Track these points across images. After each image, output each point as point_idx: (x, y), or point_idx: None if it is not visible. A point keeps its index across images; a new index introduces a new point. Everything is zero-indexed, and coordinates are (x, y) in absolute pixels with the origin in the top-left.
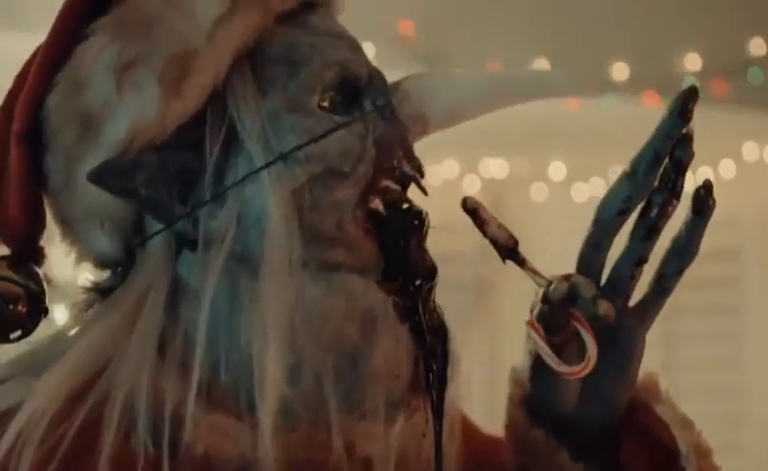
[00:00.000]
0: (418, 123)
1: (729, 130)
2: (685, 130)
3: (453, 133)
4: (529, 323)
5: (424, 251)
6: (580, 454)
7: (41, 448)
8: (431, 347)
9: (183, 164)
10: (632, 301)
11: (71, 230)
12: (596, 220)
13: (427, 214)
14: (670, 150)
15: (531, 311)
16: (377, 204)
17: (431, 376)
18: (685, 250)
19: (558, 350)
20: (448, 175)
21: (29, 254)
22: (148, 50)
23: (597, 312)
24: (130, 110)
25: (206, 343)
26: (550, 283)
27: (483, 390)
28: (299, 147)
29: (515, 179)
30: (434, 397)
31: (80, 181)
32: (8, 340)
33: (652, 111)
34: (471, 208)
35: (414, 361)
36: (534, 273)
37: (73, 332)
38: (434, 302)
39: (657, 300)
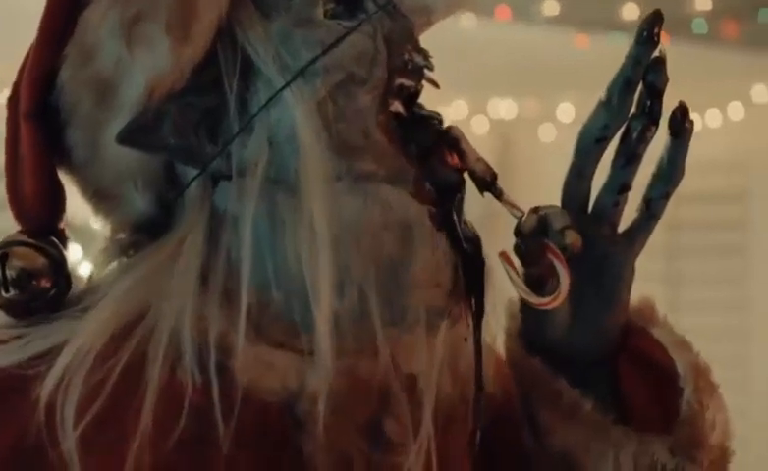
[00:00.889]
0: (422, 14)
1: (738, 71)
2: (657, 55)
3: (461, 74)
4: (501, 254)
5: (448, 162)
6: (578, 381)
7: (87, 384)
8: (468, 254)
9: (205, 105)
10: (621, 228)
11: (104, 200)
12: (576, 149)
13: (443, 120)
14: (642, 76)
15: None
16: (397, 106)
17: (470, 282)
18: (668, 174)
19: (537, 281)
20: (456, 115)
21: (51, 235)
22: (150, 3)
23: (564, 242)
24: (143, 65)
25: (251, 267)
26: (520, 216)
27: None
28: (314, 60)
29: (523, 119)
30: (474, 303)
31: (106, 148)
32: (31, 316)
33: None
34: (454, 138)
35: (453, 269)
36: (511, 206)
37: (114, 277)
38: (464, 215)
39: (645, 225)
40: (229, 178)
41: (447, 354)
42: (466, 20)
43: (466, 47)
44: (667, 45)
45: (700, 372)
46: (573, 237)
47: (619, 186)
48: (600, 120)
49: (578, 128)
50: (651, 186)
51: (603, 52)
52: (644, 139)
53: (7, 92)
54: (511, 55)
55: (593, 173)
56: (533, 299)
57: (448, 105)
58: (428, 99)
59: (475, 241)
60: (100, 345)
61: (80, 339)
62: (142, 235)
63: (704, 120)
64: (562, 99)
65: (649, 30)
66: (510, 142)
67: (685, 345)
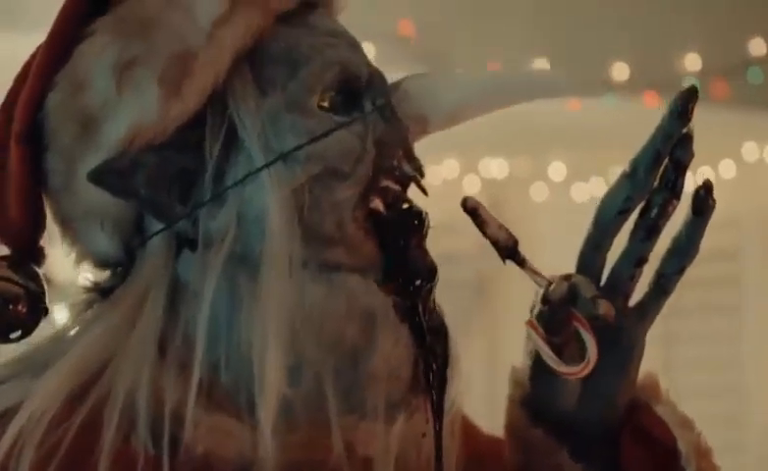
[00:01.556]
0: (418, 123)
1: (729, 130)
2: (685, 130)
3: (453, 133)
4: (529, 323)
5: (424, 252)
6: (580, 454)
7: (41, 449)
8: (431, 347)
9: (183, 164)
10: (632, 301)
11: (71, 230)
12: (596, 220)
13: (427, 214)
14: (670, 150)
15: (531, 311)
16: (378, 204)
17: (431, 376)
18: (685, 250)
19: (558, 350)
20: (448, 174)
21: (30, 254)
22: (149, 50)
23: (597, 312)
24: (130, 110)
25: (206, 343)
26: (550, 283)
27: (483, 389)
28: (299, 147)
29: (515, 178)
30: (434, 397)
31: (80, 180)
32: (8, 340)
33: (653, 111)
34: (471, 208)
35: (414, 361)
36: (534, 273)
37: (72, 332)
38: (434, 302)
39: (657, 300)
40: (193, 245)
41: (404, 446)
42: None
43: None
44: (657, 105)
45: (702, 453)
46: (605, 307)
47: (636, 260)
48: (623, 192)
49: (570, 187)
50: (666, 262)
51: (594, 112)
52: (665, 214)
53: None
54: (502, 115)
55: (611, 245)
56: (563, 369)
57: (440, 164)
58: (420, 158)
59: (442, 333)
60: (55, 407)
61: (34, 401)
62: (107, 280)
63: (695, 178)
64: (553, 158)
65: (683, 105)
66: (501, 201)
67: (687, 425)
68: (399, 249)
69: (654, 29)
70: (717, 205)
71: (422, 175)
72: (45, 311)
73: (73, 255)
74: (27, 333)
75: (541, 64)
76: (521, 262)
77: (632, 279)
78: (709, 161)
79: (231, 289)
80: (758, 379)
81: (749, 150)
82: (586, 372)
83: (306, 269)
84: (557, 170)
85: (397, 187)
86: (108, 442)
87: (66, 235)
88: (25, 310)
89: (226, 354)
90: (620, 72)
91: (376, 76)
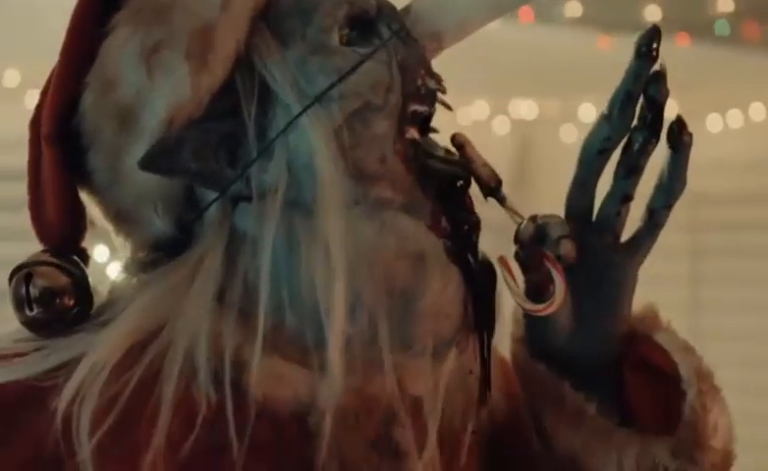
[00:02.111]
0: (433, 39)
1: (760, 73)
2: (657, 68)
3: (482, 74)
4: (499, 259)
5: (471, 203)
6: (582, 385)
7: (102, 397)
8: (480, 289)
9: (224, 130)
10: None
11: (125, 222)
12: (579, 160)
13: (470, 178)
14: (642, 89)
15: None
16: (413, 133)
17: (480, 316)
18: (669, 185)
19: (537, 288)
20: (478, 115)
21: (72, 255)
22: (169, 32)
23: (558, 251)
24: (163, 92)
25: (268, 288)
26: (519, 223)
27: None
28: (332, 86)
29: (544, 120)
30: (483, 336)
31: (127, 172)
32: (53, 335)
33: (684, 52)
34: (458, 144)
35: (464, 302)
36: (513, 212)
37: (132, 291)
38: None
39: (648, 235)
40: (249, 199)
41: (453, 382)
42: None
43: (488, 48)
44: (689, 46)
45: (703, 376)
46: (567, 248)
47: (621, 197)
48: (602, 132)
49: None
50: (653, 198)
51: (625, 53)
52: (645, 151)
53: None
54: (532, 56)
55: (596, 184)
56: (528, 306)
57: (469, 105)
58: (450, 100)
59: (489, 276)
60: (116, 359)
61: (96, 352)
62: (162, 254)
63: (726, 121)
64: (583, 100)
65: (648, 45)
66: (531, 143)
67: (688, 349)
68: (442, 193)
69: None
70: (747, 148)
71: (444, 90)
72: (91, 304)
73: (130, 246)
74: (72, 325)
75: (573, 5)
76: (502, 200)
77: (619, 215)
78: (739, 104)
79: (288, 234)
80: None
81: None
82: (551, 310)
83: (357, 207)
84: (587, 111)
85: (424, 108)
86: (169, 390)
87: (120, 229)
88: (71, 303)
89: (289, 297)
90: (652, 14)
91: (385, 4)
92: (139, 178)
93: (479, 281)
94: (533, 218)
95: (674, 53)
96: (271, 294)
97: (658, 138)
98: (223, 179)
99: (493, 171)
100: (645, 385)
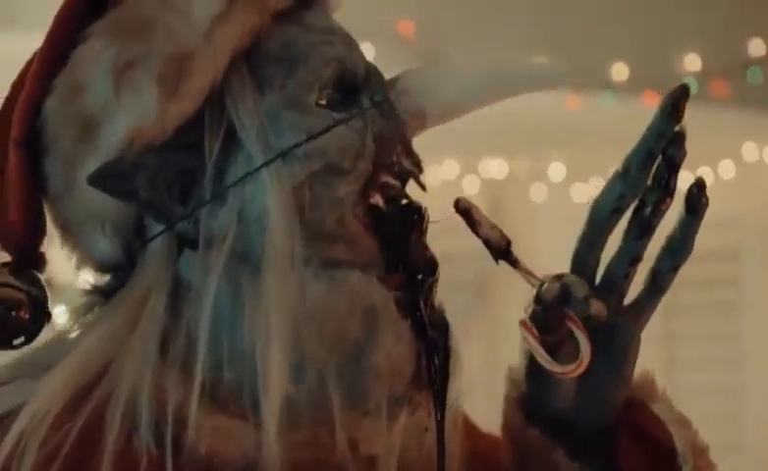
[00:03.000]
0: (417, 117)
1: (728, 130)
2: (677, 129)
3: (452, 134)
4: (522, 323)
5: (425, 246)
6: (577, 453)
7: (43, 449)
8: (433, 342)
9: (182, 165)
10: (628, 300)
11: (71, 234)
12: (590, 219)
13: (426, 209)
14: (662, 149)
15: (526, 311)
16: (377, 199)
17: (433, 371)
18: (679, 248)
19: (552, 350)
20: (447, 175)
21: (31, 260)
22: (146, 51)
23: (589, 312)
24: (128, 112)
25: (209, 343)
26: (543, 283)
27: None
28: (298, 145)
29: (514, 179)
30: (436, 392)
31: (80, 184)
32: (12, 347)
33: (652, 111)
34: (464, 209)
35: (417, 356)
36: (527, 273)
37: (74, 334)
38: (435, 298)
39: (652, 298)
40: (194, 245)
41: (408, 441)
42: None
43: None
44: (657, 106)
45: (699, 451)
46: (597, 307)
47: (630, 258)
48: (616, 191)
49: (569, 187)
50: (660, 259)
51: (593, 112)
52: (659, 212)
53: None
54: (502, 115)
55: (605, 243)
56: (556, 368)
57: (439, 164)
58: (421, 159)
59: (443, 328)
60: (58, 408)
61: (37, 401)
62: (108, 283)
63: (695, 177)
64: (553, 159)
65: (675, 104)
66: (501, 202)
67: (684, 422)
68: (399, 244)
69: (654, 29)
70: (716, 205)
71: (421, 170)
72: (48, 316)
73: (74, 260)
74: (30, 339)
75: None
76: (514, 262)
77: (627, 277)
78: (709, 161)
79: (233, 289)
80: (757, 379)
81: (749, 150)
82: (579, 371)
83: (308, 266)
84: (556, 170)
85: (396, 183)
86: (111, 442)
87: (67, 240)
88: (27, 316)
89: (229, 354)
90: (619, 72)
91: (373, 72)
92: (91, 194)
93: (433, 334)
94: (558, 277)
95: (641, 111)
96: (211, 350)
97: (672, 199)
98: (172, 214)
99: (502, 233)
100: (640, 455)
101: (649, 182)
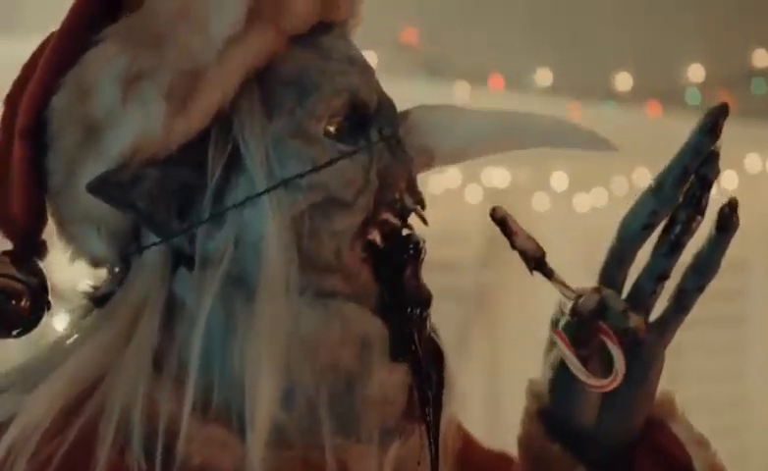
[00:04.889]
0: (424, 155)
1: (731, 141)
2: (713, 148)
3: None
4: (557, 333)
5: (419, 280)
6: (595, 468)
7: (33, 462)
8: (426, 375)
9: (183, 181)
10: (652, 317)
11: (67, 231)
12: (620, 234)
13: (424, 242)
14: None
15: (555, 323)
16: (375, 236)
17: (426, 403)
18: (706, 267)
19: (583, 363)
20: (450, 184)
21: (32, 248)
22: (157, 64)
23: (628, 325)
24: (134, 123)
25: (200, 364)
26: (579, 295)
27: (483, 400)
28: (301, 175)
29: (517, 188)
30: (430, 423)
31: (79, 185)
32: (10, 336)
33: (655, 121)
34: (500, 218)
35: (410, 388)
36: (562, 285)
37: (68, 342)
38: (430, 328)
39: (677, 316)
40: (190, 263)
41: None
42: (460, 89)
43: None
44: (660, 116)
45: None
46: (637, 321)
47: (659, 274)
48: (648, 207)
49: (572, 197)
50: (686, 278)
51: (596, 121)
52: (689, 230)
53: None
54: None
55: (634, 259)
56: (592, 381)
57: (442, 173)
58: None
59: (438, 357)
60: (48, 421)
61: (27, 414)
62: (102, 284)
63: None
64: (555, 169)
65: (713, 122)
66: None
67: (702, 444)
68: (393, 278)
69: (657, 39)
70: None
71: (423, 207)
72: (48, 306)
73: (68, 253)
74: (29, 329)
75: (544, 74)
76: (549, 274)
77: (654, 294)
78: None
79: (226, 312)
80: (762, 390)
81: (752, 162)
82: (615, 385)
83: (303, 295)
84: (559, 180)
85: (396, 221)
86: (103, 456)
87: (62, 234)
88: (27, 306)
89: (219, 376)
90: (623, 81)
91: (386, 104)
92: (89, 196)
93: (426, 365)
94: (597, 290)
95: (644, 121)
96: (202, 371)
97: (703, 217)
98: (169, 228)
99: (537, 244)
100: None
101: (680, 199)
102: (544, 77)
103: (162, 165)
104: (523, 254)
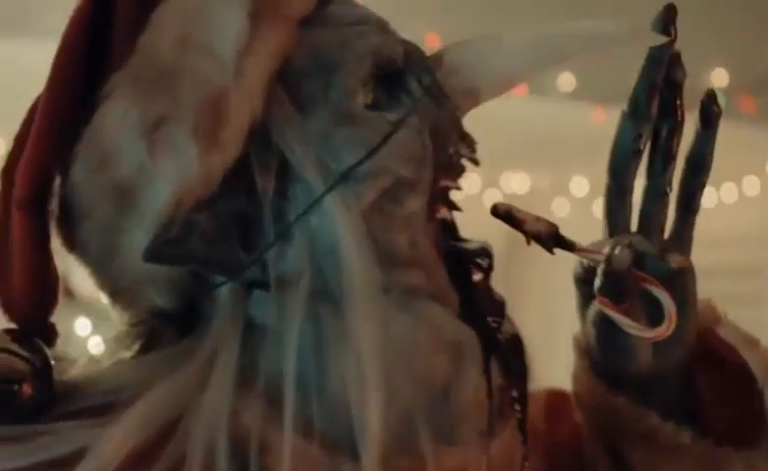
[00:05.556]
0: (469, 95)
1: (754, 146)
2: (671, 51)
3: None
4: (602, 302)
5: (491, 290)
6: (668, 412)
7: None
8: (513, 372)
9: (237, 210)
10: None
11: (122, 297)
12: (612, 169)
13: (492, 248)
14: (663, 75)
15: (578, 278)
16: (443, 212)
17: (515, 399)
18: (700, 164)
19: (627, 316)
20: (469, 189)
21: (38, 332)
22: (174, 103)
23: (671, 267)
24: (168, 174)
25: (295, 391)
26: (610, 255)
27: None
28: (360, 162)
29: (536, 193)
30: (520, 421)
31: (125, 252)
32: (11, 423)
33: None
34: (504, 211)
35: (498, 388)
36: (588, 251)
37: (137, 371)
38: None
39: (688, 221)
40: (265, 287)
41: (499, 468)
42: None
43: (480, 121)
44: (687, 120)
45: None
46: (678, 259)
47: (660, 192)
48: (630, 132)
49: (592, 202)
50: (686, 182)
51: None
52: (675, 138)
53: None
54: (525, 129)
55: (632, 190)
56: (648, 333)
57: (461, 178)
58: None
59: (520, 351)
60: (120, 460)
61: (101, 450)
62: (160, 322)
63: (720, 194)
64: (575, 173)
65: (665, 26)
66: None
67: (753, 343)
68: (466, 285)
69: (680, 44)
70: (740, 222)
71: (475, 150)
72: (51, 388)
73: (127, 316)
74: (32, 413)
75: (566, 78)
76: (570, 246)
77: (662, 212)
78: (733, 177)
79: (315, 332)
80: None
81: None
82: (672, 329)
83: (388, 296)
84: (579, 185)
85: (455, 184)
86: None
87: (117, 302)
88: (30, 391)
89: (318, 400)
90: None
91: (414, 52)
92: (138, 262)
93: (510, 356)
94: (624, 243)
95: None
96: (298, 392)
97: (683, 121)
98: (236, 264)
99: (547, 221)
100: (717, 381)
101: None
102: (567, 81)
103: (210, 205)
104: (538, 237)
